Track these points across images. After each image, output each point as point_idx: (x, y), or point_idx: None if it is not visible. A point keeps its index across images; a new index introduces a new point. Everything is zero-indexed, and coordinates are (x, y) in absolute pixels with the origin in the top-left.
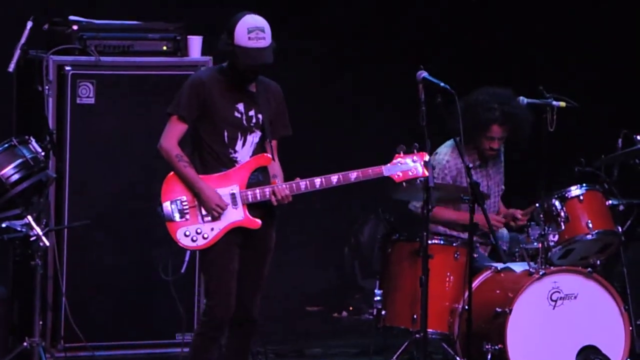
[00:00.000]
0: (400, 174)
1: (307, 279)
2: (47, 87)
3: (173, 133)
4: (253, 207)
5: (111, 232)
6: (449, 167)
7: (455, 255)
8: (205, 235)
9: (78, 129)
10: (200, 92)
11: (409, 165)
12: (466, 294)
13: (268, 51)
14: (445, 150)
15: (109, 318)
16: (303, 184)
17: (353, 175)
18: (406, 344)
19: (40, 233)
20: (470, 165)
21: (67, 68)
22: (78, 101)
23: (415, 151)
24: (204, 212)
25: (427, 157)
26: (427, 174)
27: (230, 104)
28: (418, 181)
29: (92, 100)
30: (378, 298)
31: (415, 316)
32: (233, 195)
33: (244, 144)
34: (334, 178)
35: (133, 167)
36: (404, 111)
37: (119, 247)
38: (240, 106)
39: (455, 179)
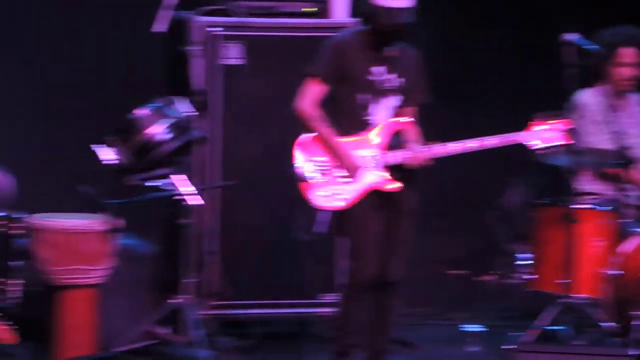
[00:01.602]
0: (539, 142)
1: (451, 243)
2: (194, 48)
3: (311, 94)
4: (392, 170)
5: (257, 193)
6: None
7: (605, 220)
8: (344, 197)
9: (225, 90)
10: (339, 55)
11: (547, 134)
12: (616, 258)
13: (410, 11)
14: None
15: (254, 277)
16: (442, 148)
17: (491, 141)
18: (553, 308)
19: (189, 193)
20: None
21: (215, 29)
22: (225, 62)
23: (554, 118)
24: (342, 174)
25: (566, 125)
26: (566, 141)
27: (369, 67)
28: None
29: (239, 61)
30: (524, 262)
31: (563, 281)
32: (371, 157)
33: (381, 108)
34: (473, 144)
35: (278, 128)
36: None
37: (264, 208)
38: (379, 69)
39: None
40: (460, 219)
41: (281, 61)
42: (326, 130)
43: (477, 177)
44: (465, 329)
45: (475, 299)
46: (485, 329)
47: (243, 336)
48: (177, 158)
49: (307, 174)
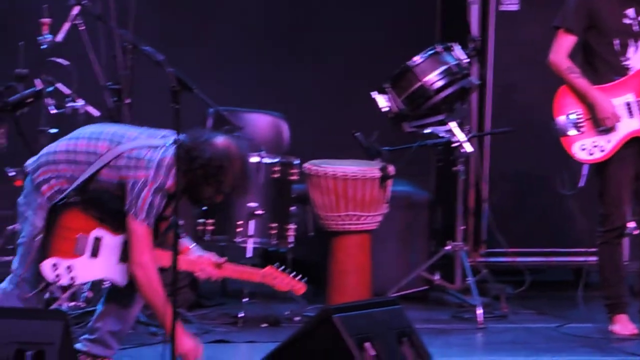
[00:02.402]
0: None
1: None
2: None
3: (562, 46)
4: None
5: (527, 140)
6: None
7: None
8: (603, 148)
9: (501, 36)
10: (587, 2)
11: None
12: None
13: None
14: None
15: (524, 225)
16: None
17: None
18: None
19: (463, 139)
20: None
21: None
22: (501, 8)
23: None
24: (600, 124)
25: None
26: None
27: (619, 11)
28: None
29: (516, 7)
30: None
31: None
32: (628, 104)
33: (636, 50)
34: None
35: (552, 74)
36: None
37: (535, 156)
38: (630, 12)
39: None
40: None
41: (555, 6)
42: (582, 81)
43: None
44: None
45: None
46: None
47: (515, 284)
48: (451, 105)
49: (566, 127)
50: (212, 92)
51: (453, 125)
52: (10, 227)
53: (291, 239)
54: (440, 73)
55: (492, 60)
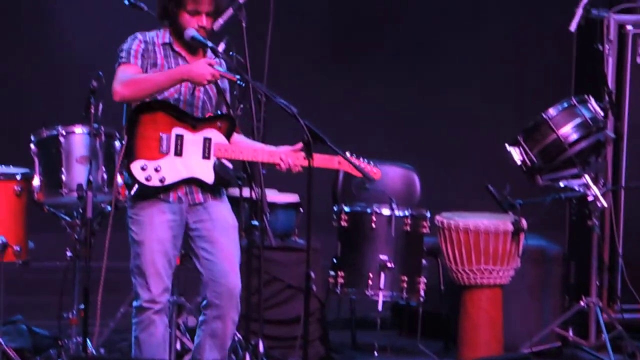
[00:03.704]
0: None
1: None
2: (607, 47)
3: None
4: None
5: None
6: None
7: None
8: None
9: (637, 89)
10: None
11: None
12: None
13: None
14: None
15: None
16: None
17: None
18: None
19: (598, 193)
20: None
21: (629, 27)
22: (638, 61)
23: None
24: None
25: None
26: None
27: None
28: None
29: None
30: None
31: None
32: None
33: None
34: None
35: None
36: None
37: None
38: None
39: None
40: None
41: None
42: None
43: None
44: None
45: None
46: None
47: None
48: (586, 158)
49: None
50: (343, 144)
51: (587, 179)
52: None
53: (422, 293)
54: (575, 126)
55: (628, 113)
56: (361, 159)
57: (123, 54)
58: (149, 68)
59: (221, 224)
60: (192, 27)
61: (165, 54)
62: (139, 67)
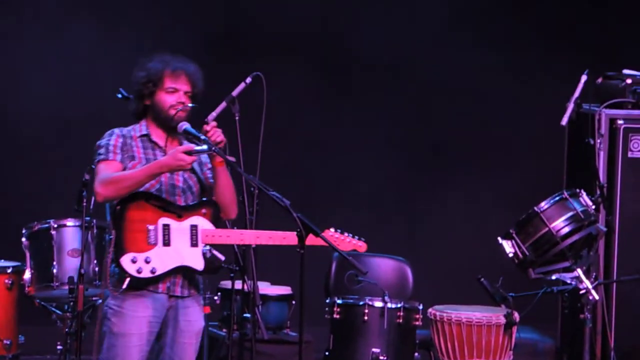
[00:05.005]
0: None
1: None
2: (598, 141)
3: None
4: None
5: None
6: None
7: None
8: None
9: (628, 183)
10: None
11: None
12: None
13: None
14: None
15: None
16: None
17: None
18: None
19: (590, 286)
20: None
21: (619, 122)
22: (629, 155)
23: None
24: None
25: None
26: None
27: None
28: None
29: None
30: None
31: None
32: None
33: None
34: None
35: None
36: None
37: None
38: None
39: None
40: None
41: None
42: None
43: None
44: None
45: None
46: None
47: None
48: (578, 252)
49: None
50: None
51: (579, 272)
52: None
53: None
54: (567, 219)
55: (619, 207)
56: (346, 233)
57: (102, 151)
58: (128, 162)
59: (185, 335)
60: (171, 103)
61: (143, 145)
62: (119, 162)
